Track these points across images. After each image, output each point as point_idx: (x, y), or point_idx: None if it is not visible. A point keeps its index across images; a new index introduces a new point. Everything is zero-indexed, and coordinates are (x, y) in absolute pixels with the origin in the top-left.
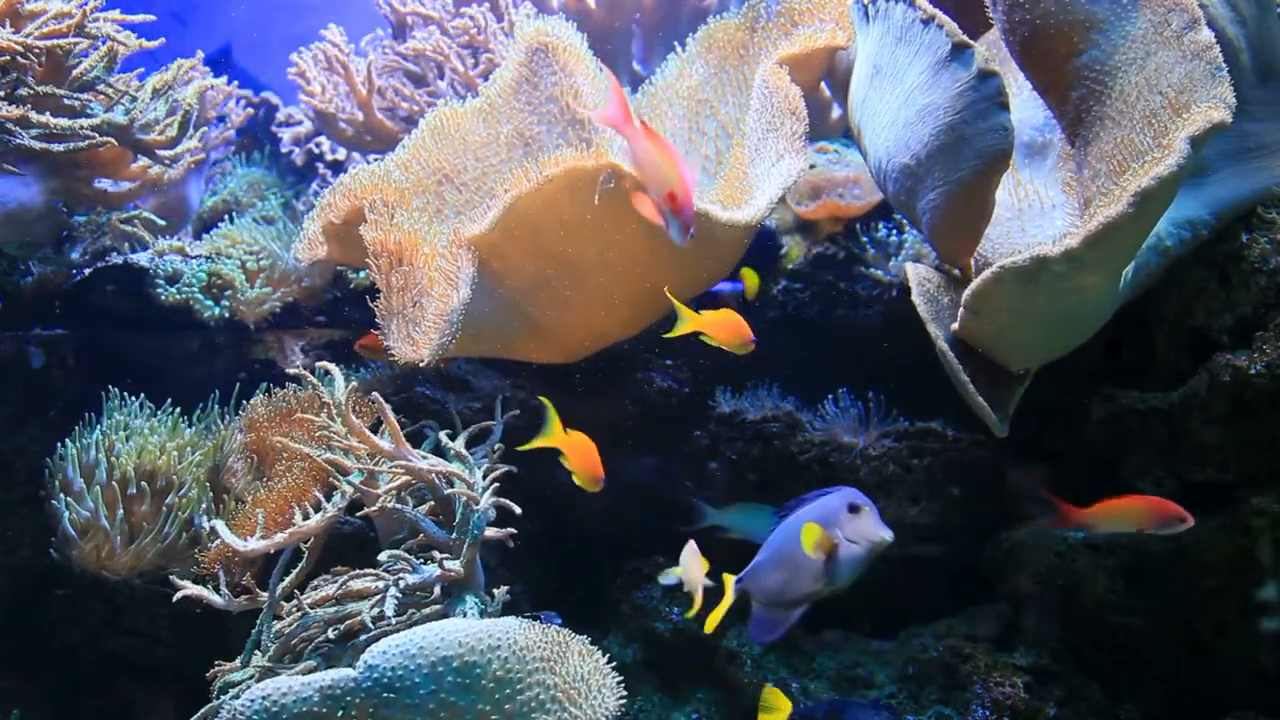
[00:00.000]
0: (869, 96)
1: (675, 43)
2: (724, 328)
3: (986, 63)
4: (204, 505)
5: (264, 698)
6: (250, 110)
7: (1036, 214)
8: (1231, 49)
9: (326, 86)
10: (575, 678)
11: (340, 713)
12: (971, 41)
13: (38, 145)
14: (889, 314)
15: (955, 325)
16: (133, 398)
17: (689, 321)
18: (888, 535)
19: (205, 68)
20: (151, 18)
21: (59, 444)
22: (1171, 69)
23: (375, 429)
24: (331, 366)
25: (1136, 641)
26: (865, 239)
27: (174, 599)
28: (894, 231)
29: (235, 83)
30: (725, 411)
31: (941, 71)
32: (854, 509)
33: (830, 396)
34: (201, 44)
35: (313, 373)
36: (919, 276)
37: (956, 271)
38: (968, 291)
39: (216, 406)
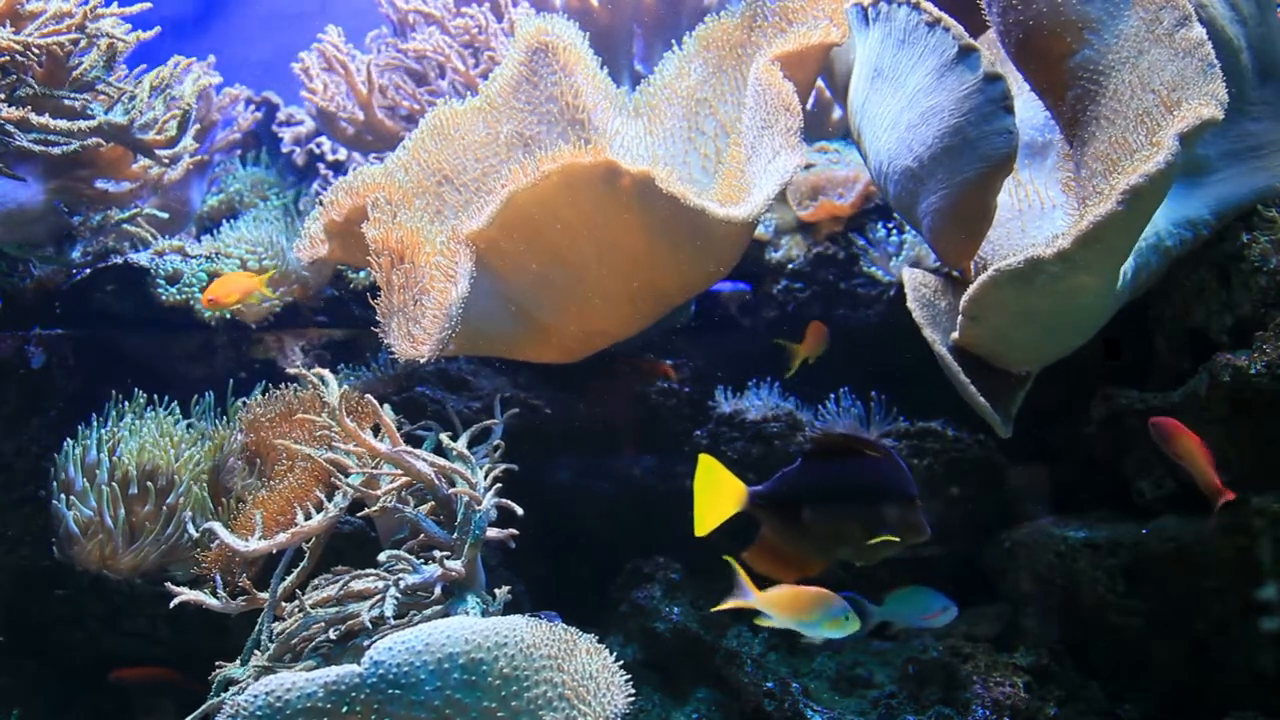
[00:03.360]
0: (869, 99)
1: (675, 43)
2: (807, 344)
3: (992, 65)
4: (205, 506)
5: (268, 693)
6: (257, 114)
7: (1037, 214)
8: (1231, 49)
9: (329, 84)
10: (584, 675)
11: (345, 709)
12: (977, 44)
13: (36, 148)
14: (889, 314)
15: (955, 334)
16: (139, 395)
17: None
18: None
19: (212, 71)
20: (147, 5)
21: (60, 443)
22: (1164, 67)
23: (378, 430)
24: (325, 372)
25: (1136, 641)
26: (863, 240)
27: (171, 605)
28: (893, 231)
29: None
30: (725, 411)
31: (947, 74)
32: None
33: (831, 396)
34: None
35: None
36: (914, 282)
37: (956, 274)
38: (965, 297)
39: (216, 406)
